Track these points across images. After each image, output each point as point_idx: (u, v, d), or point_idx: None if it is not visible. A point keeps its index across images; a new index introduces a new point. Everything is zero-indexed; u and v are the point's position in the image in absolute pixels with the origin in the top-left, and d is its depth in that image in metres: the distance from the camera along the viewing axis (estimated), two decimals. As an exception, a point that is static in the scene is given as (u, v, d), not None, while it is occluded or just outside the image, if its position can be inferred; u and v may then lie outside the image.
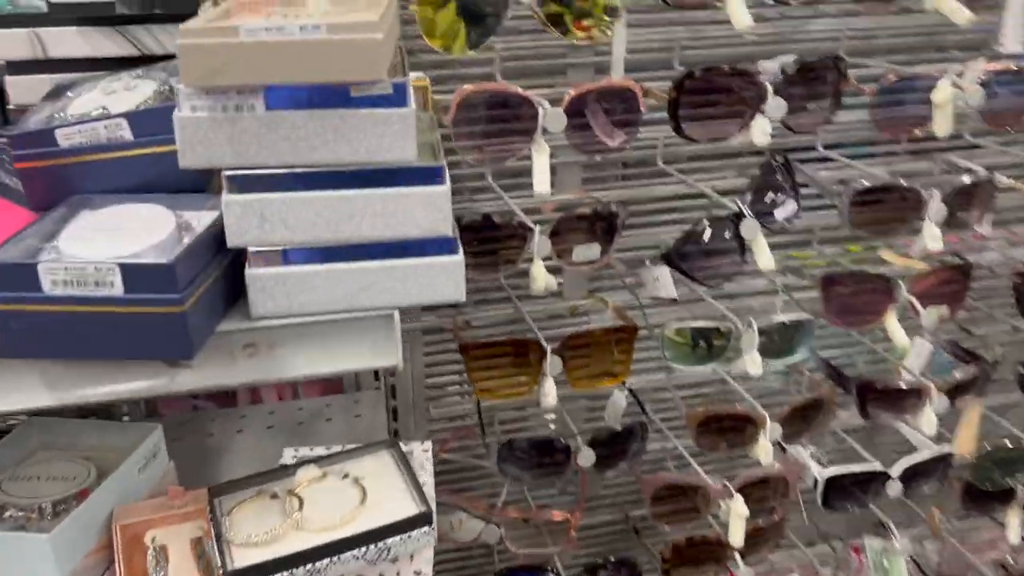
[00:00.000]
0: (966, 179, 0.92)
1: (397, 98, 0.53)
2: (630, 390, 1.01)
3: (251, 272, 0.56)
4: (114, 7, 0.64)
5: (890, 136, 0.90)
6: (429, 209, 0.56)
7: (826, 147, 1.02)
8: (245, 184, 0.54)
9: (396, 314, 0.59)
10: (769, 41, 1.05)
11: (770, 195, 0.88)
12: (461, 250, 0.59)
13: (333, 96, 0.52)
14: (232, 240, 0.55)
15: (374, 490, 0.69)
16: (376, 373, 1.08)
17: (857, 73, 1.01)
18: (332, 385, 1.10)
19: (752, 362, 0.89)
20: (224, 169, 0.53)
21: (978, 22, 0.86)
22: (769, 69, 0.93)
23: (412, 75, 0.71)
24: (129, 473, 0.71)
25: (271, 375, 0.59)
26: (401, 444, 0.76)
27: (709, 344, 0.93)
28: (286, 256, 0.56)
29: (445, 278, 0.59)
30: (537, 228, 0.80)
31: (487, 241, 0.81)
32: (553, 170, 0.78)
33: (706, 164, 1.07)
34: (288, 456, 0.79)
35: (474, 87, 0.75)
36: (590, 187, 1.05)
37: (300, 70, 0.50)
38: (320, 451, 0.79)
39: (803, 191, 0.91)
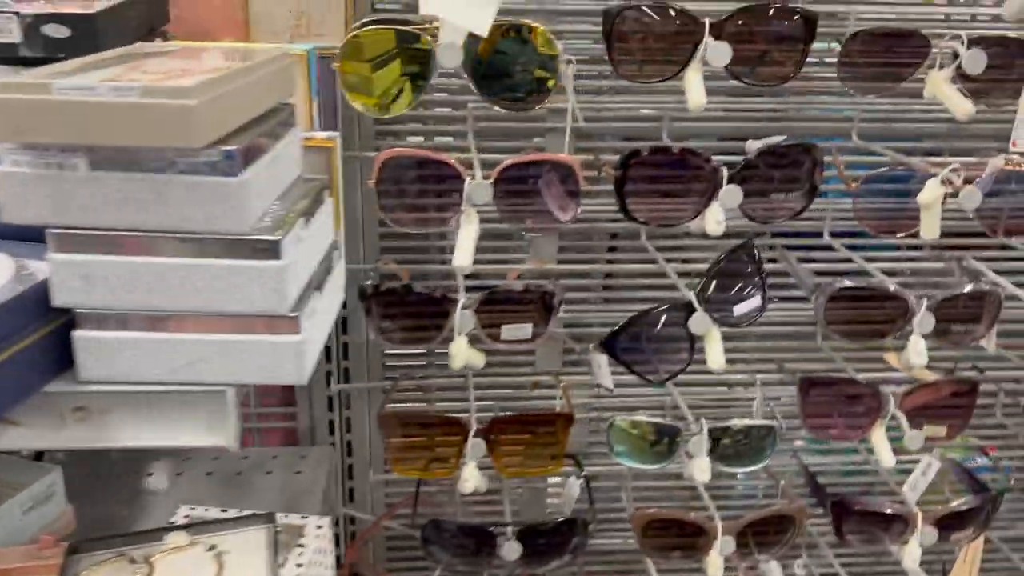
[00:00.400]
0: (967, 286, 0.82)
1: (228, 166, 0.50)
2: (585, 477, 0.94)
3: (77, 333, 0.53)
4: (18, 48, 0.63)
5: (877, 235, 0.81)
6: (262, 285, 0.52)
7: (836, 235, 0.94)
8: (67, 243, 0.51)
9: (230, 392, 0.55)
10: (772, 117, 0.97)
11: (732, 285, 0.80)
12: (306, 329, 0.55)
13: (156, 160, 0.49)
14: (57, 299, 0.53)
15: (232, 568, 0.65)
16: (331, 427, 1.04)
17: (861, 159, 0.93)
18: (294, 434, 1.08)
19: (699, 468, 0.81)
20: (48, 227, 0.51)
21: (984, 115, 0.77)
22: (752, 150, 0.86)
23: (322, 135, 0.68)
24: (9, 513, 0.70)
25: (100, 442, 0.56)
26: (283, 520, 0.72)
27: (671, 440, 0.85)
28: (115, 320, 0.53)
29: (284, 359, 0.54)
30: (461, 302, 0.75)
31: (410, 311, 0.76)
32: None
33: (702, 241, 0.99)
34: (180, 515, 0.76)
35: (395, 151, 0.72)
36: (572, 257, 1.00)
37: (112, 132, 0.47)
38: (214, 513, 0.76)
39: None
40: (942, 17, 0.95)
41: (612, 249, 1.04)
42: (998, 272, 0.87)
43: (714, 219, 0.74)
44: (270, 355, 0.54)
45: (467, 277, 0.76)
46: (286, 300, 0.53)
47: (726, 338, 1.03)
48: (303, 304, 0.55)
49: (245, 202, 0.51)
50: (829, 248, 0.94)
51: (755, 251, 0.80)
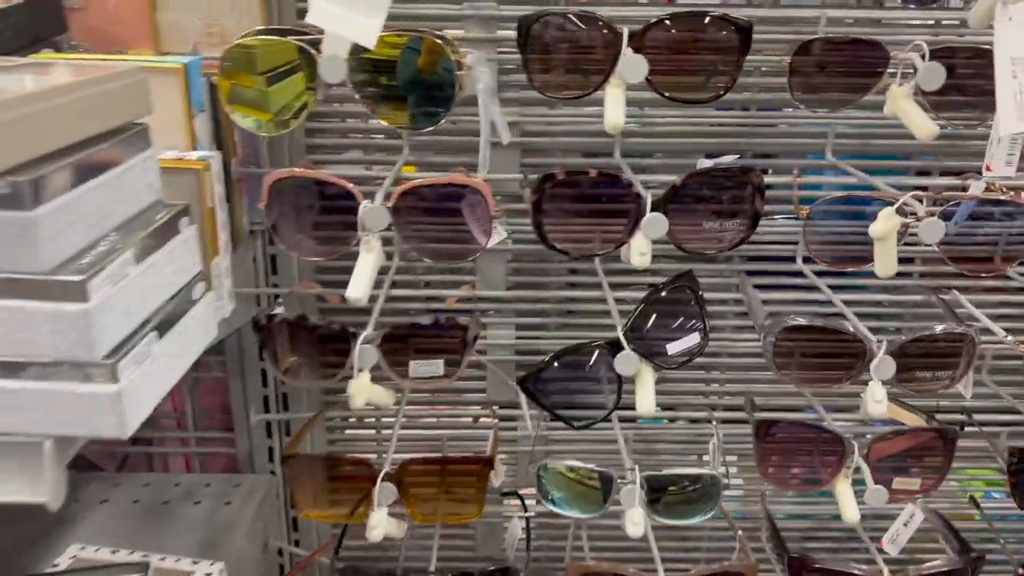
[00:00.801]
0: (938, 327, 0.73)
1: (16, 199, 0.45)
2: (527, 518, 0.87)
3: None
4: None
5: (831, 267, 0.72)
6: (66, 331, 0.47)
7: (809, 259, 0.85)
8: None
9: (47, 444, 0.50)
10: (742, 132, 0.89)
11: (669, 319, 0.73)
12: (130, 378, 0.49)
13: (-64, 192, 0.44)
14: None
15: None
16: (271, 454, 0.99)
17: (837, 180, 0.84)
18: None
19: (632, 521, 0.73)
20: None
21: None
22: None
23: (196, 155, 0.63)
24: None
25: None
26: (172, 565, 0.67)
27: (606, 487, 0.78)
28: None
29: (100, 410, 0.49)
30: (362, 335, 0.69)
31: (308, 345, 0.71)
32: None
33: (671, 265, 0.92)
34: (66, 555, 0.72)
35: (285, 172, 0.66)
36: (527, 284, 0.93)
37: None
38: (104, 555, 0.72)
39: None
40: (931, 23, 0.85)
41: (574, 271, 0.97)
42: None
43: (638, 251, 0.66)
44: (85, 406, 0.49)
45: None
46: (95, 347, 0.48)
47: (697, 367, 0.96)
48: (127, 350, 0.50)
49: (40, 240, 0.45)
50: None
51: (695, 282, 0.73)
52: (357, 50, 0.63)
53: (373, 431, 1.02)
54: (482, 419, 0.93)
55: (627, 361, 0.69)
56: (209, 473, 1.01)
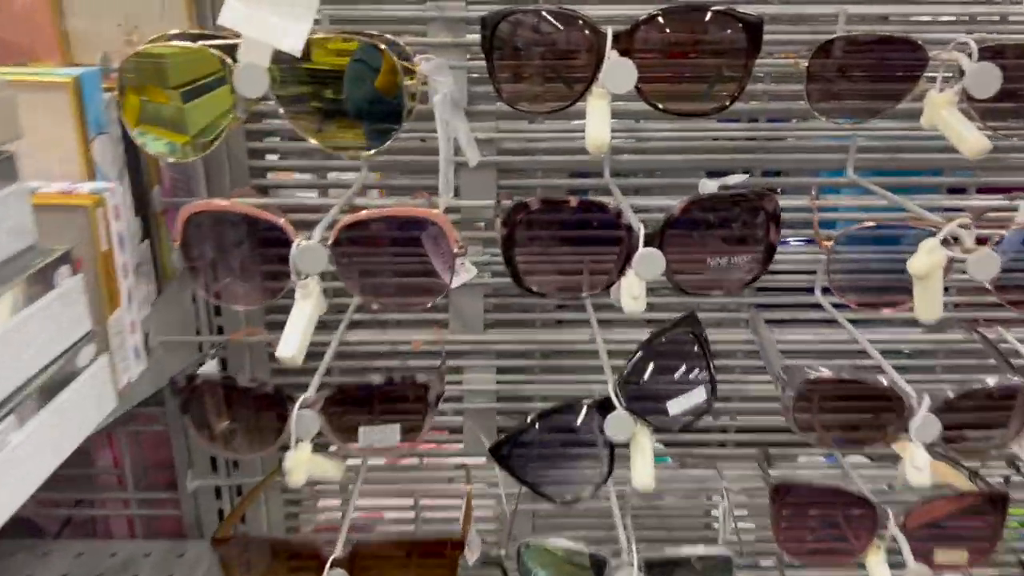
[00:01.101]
0: (989, 379, 0.61)
1: None
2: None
3: None
4: None
5: (859, 309, 0.61)
6: None
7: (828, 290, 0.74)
8: None
9: None
10: (743, 148, 0.78)
11: (668, 373, 0.61)
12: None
13: None
14: None
15: None
16: (221, 517, 0.88)
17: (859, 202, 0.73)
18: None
19: (627, 610, 0.62)
20: None
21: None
22: (709, 192, 0.67)
23: (88, 187, 0.52)
24: None
25: None
26: None
27: (598, 572, 0.66)
28: None
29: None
30: (300, 399, 0.58)
31: (238, 411, 0.59)
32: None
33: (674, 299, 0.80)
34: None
35: (201, 205, 0.55)
36: (507, 323, 0.82)
37: None
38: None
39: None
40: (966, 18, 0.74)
41: (561, 307, 0.86)
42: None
43: (630, 293, 0.55)
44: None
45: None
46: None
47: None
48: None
49: None
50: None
51: (699, 326, 0.61)
52: (283, 58, 0.52)
53: (339, 500, 0.90)
54: (459, 482, 0.82)
55: (620, 424, 0.58)
56: (154, 539, 0.90)
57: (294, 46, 0.50)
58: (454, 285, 0.65)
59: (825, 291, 0.68)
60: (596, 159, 0.75)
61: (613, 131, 0.75)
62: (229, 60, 0.52)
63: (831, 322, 0.72)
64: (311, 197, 0.79)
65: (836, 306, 0.67)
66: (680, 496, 0.88)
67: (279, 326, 0.54)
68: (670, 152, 0.78)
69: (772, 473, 0.78)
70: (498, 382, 0.83)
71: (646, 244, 0.54)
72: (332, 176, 0.80)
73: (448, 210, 0.71)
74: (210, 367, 0.66)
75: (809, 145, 0.78)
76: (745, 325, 0.81)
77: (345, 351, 0.81)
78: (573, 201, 0.54)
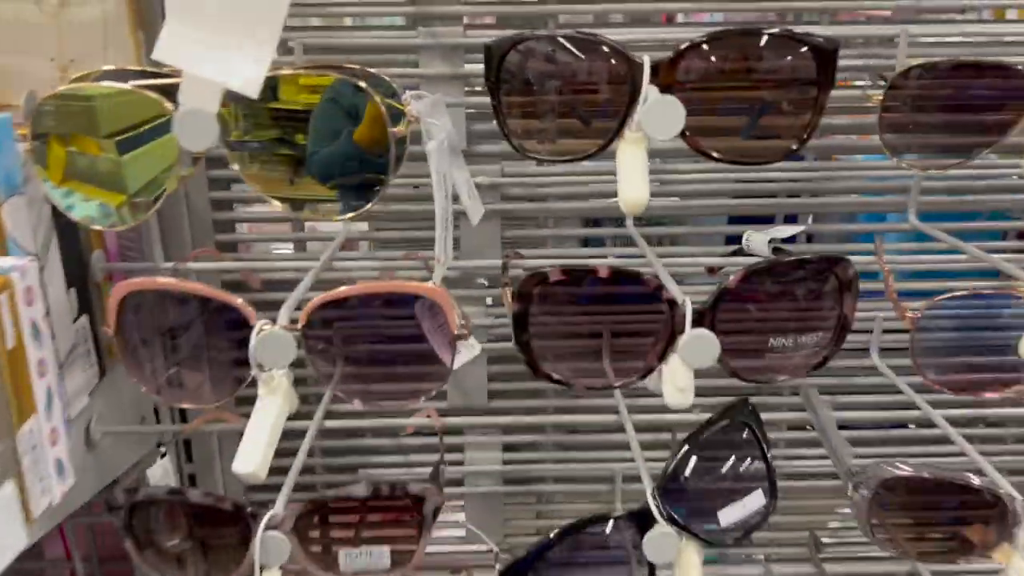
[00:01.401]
0: (1105, 473, 0.50)
1: None
2: None
3: None
4: None
5: (955, 394, 0.50)
6: None
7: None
8: None
9: None
10: (783, 189, 0.67)
11: (716, 474, 0.50)
12: None
13: None
14: None
15: None
16: None
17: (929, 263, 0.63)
18: None
19: None
20: None
21: None
22: (757, 246, 0.57)
23: (-10, 269, 0.41)
24: None
25: None
26: None
27: None
28: None
29: None
30: (266, 516, 0.46)
31: (191, 532, 0.48)
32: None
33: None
34: None
35: (139, 284, 0.44)
36: (514, 392, 0.70)
37: None
38: None
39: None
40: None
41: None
42: None
43: (675, 384, 0.44)
44: None
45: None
46: None
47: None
48: None
49: None
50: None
51: (756, 417, 0.51)
52: (238, 98, 0.41)
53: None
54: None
55: (662, 544, 0.47)
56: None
57: (249, 86, 0.39)
58: (457, 365, 0.54)
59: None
60: (613, 204, 0.64)
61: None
62: (169, 104, 0.41)
63: (893, 390, 0.62)
64: (287, 253, 0.68)
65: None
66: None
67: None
68: (699, 196, 0.67)
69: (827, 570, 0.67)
70: (504, 462, 0.71)
71: (695, 324, 0.43)
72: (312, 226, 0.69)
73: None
74: (163, 468, 0.54)
75: (859, 187, 0.68)
76: (788, 393, 0.71)
77: (322, 447, 0.71)
78: (602, 271, 0.44)
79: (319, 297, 0.44)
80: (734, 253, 0.64)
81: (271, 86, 0.45)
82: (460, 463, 0.71)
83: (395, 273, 0.61)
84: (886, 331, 0.60)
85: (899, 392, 0.58)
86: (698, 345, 0.43)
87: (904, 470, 0.50)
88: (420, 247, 0.66)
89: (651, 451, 0.70)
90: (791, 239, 0.60)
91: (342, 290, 0.44)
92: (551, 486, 0.73)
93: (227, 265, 0.58)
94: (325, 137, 0.46)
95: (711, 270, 0.67)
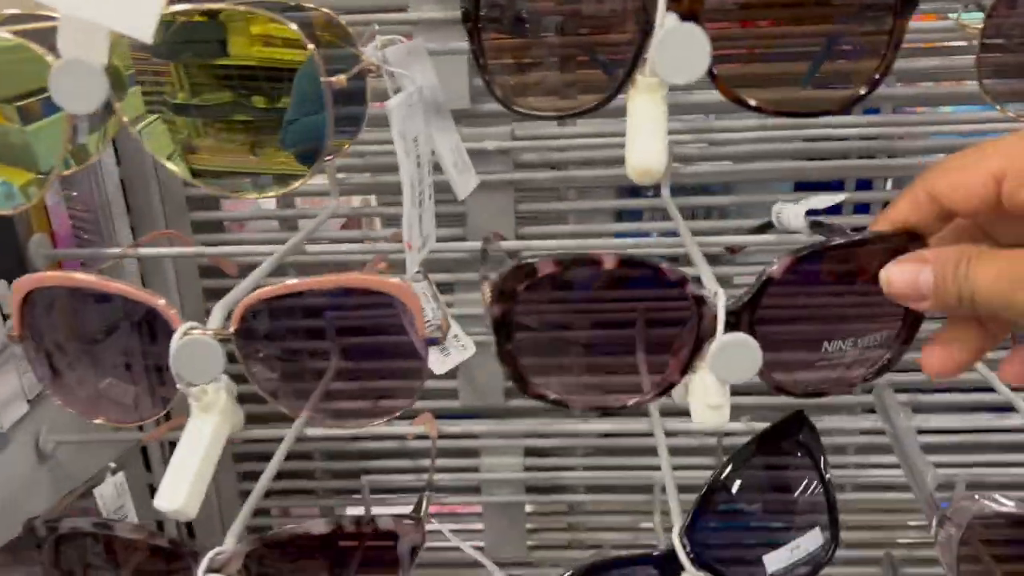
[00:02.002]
0: None
1: None
2: None
3: None
4: None
5: None
6: None
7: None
8: None
9: None
10: (853, 149, 0.56)
11: (762, 506, 0.41)
12: None
13: None
14: None
15: None
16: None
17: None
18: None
19: None
20: None
21: None
22: (792, 220, 0.47)
23: None
24: None
25: None
26: None
27: None
28: None
29: None
30: (207, 557, 0.39)
31: (121, 572, 0.41)
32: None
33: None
34: None
35: (36, 279, 0.36)
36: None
37: None
38: None
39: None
40: None
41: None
42: None
43: (705, 401, 0.34)
44: None
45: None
46: None
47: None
48: None
49: None
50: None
51: (813, 434, 0.40)
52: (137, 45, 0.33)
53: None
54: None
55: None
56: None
57: (141, 27, 0.30)
58: (442, 370, 0.46)
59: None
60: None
61: (673, 131, 0.55)
62: (51, 57, 0.33)
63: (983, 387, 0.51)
64: (259, 236, 0.60)
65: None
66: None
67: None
68: (754, 158, 0.56)
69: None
70: (526, 468, 0.63)
71: (729, 328, 0.33)
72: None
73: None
74: (115, 486, 0.47)
75: (948, 144, 0.56)
76: (861, 392, 0.60)
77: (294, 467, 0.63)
78: (607, 260, 0.34)
79: (254, 294, 0.35)
80: (761, 228, 0.53)
81: (218, 39, 0.37)
82: (476, 469, 0.63)
83: (387, 257, 0.52)
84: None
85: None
86: (734, 354, 0.33)
87: (1004, 504, 0.39)
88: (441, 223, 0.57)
89: (698, 456, 0.62)
90: (834, 209, 0.48)
91: (281, 286, 0.35)
92: (581, 496, 0.64)
93: (186, 251, 0.50)
94: (272, 96, 0.38)
95: (731, 250, 0.57)
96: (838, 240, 0.33)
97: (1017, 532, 0.39)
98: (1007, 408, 0.49)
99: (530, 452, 0.63)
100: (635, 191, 0.61)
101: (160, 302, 0.36)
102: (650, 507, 0.61)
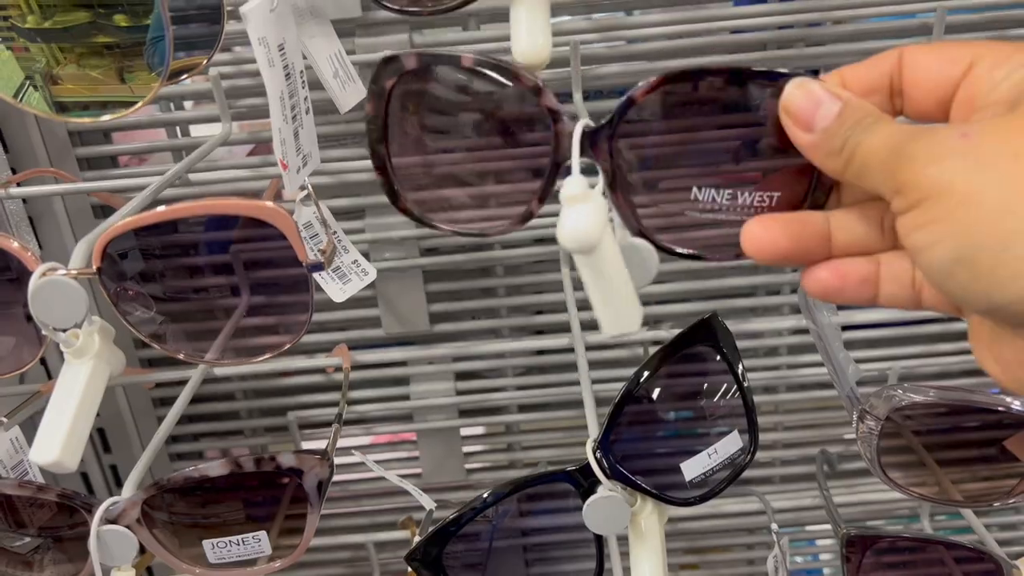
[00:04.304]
0: None
1: None
2: None
3: None
4: None
5: None
6: None
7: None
8: None
9: None
10: (785, 39, 0.53)
11: (676, 417, 0.39)
12: None
13: None
14: None
15: None
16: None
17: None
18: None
19: None
20: None
21: None
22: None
23: None
24: None
25: None
26: None
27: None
28: None
29: None
30: (102, 507, 0.37)
31: (18, 533, 0.39)
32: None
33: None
34: None
35: None
36: (455, 314, 0.59)
37: None
38: None
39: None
40: None
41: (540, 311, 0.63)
42: None
43: (571, 235, 0.32)
44: None
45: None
46: None
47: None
48: None
49: None
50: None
51: (727, 337, 0.39)
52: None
53: None
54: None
55: (605, 511, 0.37)
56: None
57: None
58: (341, 297, 0.43)
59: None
60: (562, 77, 0.51)
61: (586, 31, 0.52)
62: None
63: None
64: (134, 170, 0.56)
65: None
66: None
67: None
68: (672, 56, 0.54)
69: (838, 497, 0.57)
70: (458, 392, 0.61)
71: (587, 149, 0.30)
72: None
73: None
74: (11, 441, 0.45)
75: (868, 29, 0.54)
76: (789, 292, 0.59)
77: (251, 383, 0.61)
78: (465, 59, 0.30)
79: (114, 227, 0.32)
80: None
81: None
82: (406, 397, 0.61)
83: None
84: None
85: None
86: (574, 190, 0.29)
87: (923, 394, 0.39)
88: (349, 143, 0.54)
89: (628, 368, 0.61)
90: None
91: (141, 215, 0.32)
92: (515, 416, 0.63)
93: (59, 189, 0.47)
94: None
95: None
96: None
97: (936, 421, 0.39)
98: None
99: (460, 376, 0.61)
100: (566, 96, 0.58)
101: (13, 244, 0.33)
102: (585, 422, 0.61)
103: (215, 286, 0.34)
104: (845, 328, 0.52)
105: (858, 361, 0.58)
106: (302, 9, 0.37)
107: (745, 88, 0.28)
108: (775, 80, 0.28)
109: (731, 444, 0.39)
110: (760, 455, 0.65)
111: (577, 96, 0.50)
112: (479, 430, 0.65)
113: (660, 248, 0.31)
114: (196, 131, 0.56)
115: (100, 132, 0.56)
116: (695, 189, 0.30)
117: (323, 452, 0.38)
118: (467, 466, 0.65)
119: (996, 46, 0.25)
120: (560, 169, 0.31)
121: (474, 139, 0.32)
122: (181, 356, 0.34)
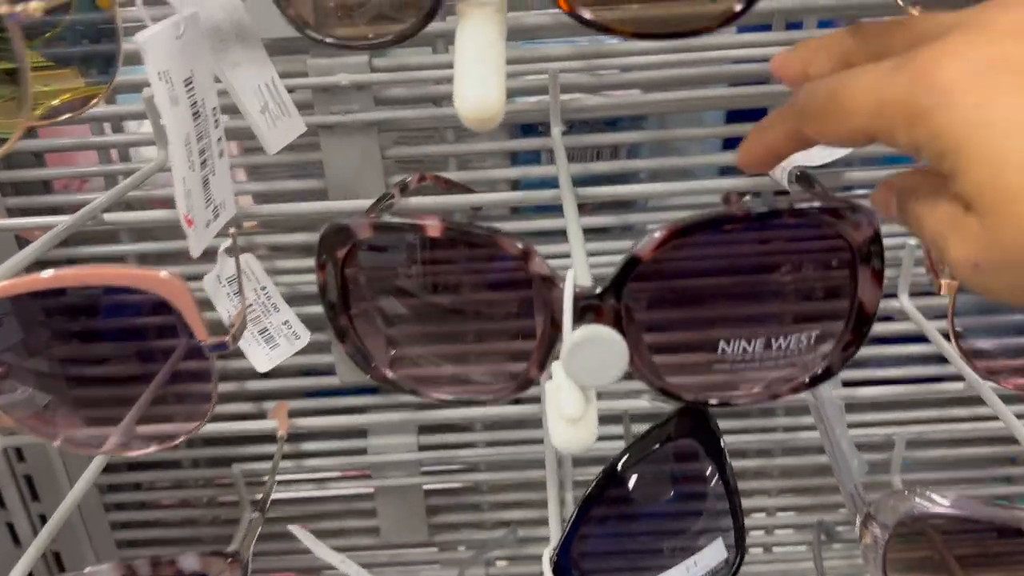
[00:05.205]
0: None
1: None
2: None
3: None
4: None
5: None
6: None
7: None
8: None
9: None
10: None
11: (648, 520, 0.34)
12: None
13: None
14: None
15: None
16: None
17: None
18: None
19: None
20: None
21: None
22: (777, 172, 0.40)
23: None
24: None
25: None
26: None
27: None
28: None
29: None
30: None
31: None
32: None
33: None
34: None
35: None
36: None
37: None
38: None
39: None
40: None
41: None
42: None
43: (560, 411, 0.27)
44: None
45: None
46: None
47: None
48: None
49: None
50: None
51: (713, 434, 0.33)
52: None
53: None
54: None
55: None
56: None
57: None
58: (267, 366, 0.38)
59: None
60: (542, 108, 0.46)
61: (568, 58, 0.47)
62: None
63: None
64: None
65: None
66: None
67: None
68: (666, 87, 0.48)
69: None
70: (421, 447, 0.56)
71: (581, 316, 0.26)
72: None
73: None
74: None
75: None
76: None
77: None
78: (432, 228, 0.26)
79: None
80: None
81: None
82: (363, 451, 0.56)
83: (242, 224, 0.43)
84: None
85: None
86: (586, 353, 0.26)
87: (939, 504, 0.33)
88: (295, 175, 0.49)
89: (608, 425, 0.55)
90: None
91: (13, 282, 0.27)
92: (482, 475, 0.57)
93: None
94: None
95: (727, 199, 0.47)
96: (736, 211, 0.26)
97: (954, 539, 0.33)
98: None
99: (424, 429, 0.56)
100: (528, 128, 0.53)
101: None
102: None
103: (101, 369, 0.29)
104: (846, 384, 0.47)
105: (862, 425, 0.53)
106: (225, 32, 0.31)
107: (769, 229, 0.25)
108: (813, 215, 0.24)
109: (714, 554, 0.33)
110: (753, 518, 0.60)
111: (555, 131, 0.45)
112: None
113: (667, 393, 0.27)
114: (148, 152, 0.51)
115: (27, 154, 0.50)
116: (722, 343, 0.26)
117: (234, 554, 0.32)
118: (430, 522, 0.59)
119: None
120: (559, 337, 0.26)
121: (456, 313, 0.28)
122: (56, 444, 0.29)
